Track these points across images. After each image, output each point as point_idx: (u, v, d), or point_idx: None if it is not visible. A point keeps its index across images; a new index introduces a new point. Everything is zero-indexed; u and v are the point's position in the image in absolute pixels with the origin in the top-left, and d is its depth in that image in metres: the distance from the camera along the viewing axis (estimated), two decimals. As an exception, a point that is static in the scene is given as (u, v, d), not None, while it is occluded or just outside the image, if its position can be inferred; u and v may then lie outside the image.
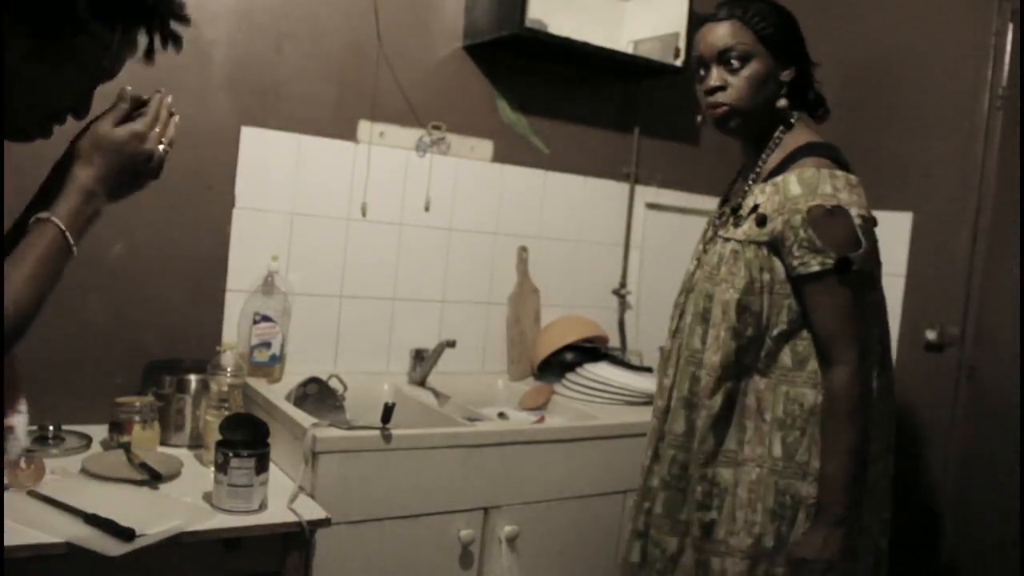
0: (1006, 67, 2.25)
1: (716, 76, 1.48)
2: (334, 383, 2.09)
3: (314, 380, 2.04)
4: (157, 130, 1.04)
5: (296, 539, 1.52)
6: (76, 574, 1.33)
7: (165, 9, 0.97)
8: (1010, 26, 2.24)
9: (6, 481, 1.45)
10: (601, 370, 2.31)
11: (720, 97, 1.48)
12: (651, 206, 2.76)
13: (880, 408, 1.48)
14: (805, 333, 1.44)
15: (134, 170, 1.03)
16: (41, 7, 0.87)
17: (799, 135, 1.50)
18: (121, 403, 1.80)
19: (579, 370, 2.34)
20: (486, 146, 2.45)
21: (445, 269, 2.42)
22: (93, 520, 1.37)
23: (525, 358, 2.52)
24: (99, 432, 1.85)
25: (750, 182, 1.52)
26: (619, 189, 2.70)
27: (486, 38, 2.31)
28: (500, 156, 2.47)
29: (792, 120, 1.52)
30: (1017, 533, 2.07)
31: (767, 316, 1.43)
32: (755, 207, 1.46)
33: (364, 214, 2.27)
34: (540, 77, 2.52)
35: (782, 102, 1.49)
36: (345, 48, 2.21)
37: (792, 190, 1.41)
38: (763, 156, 1.52)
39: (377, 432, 1.70)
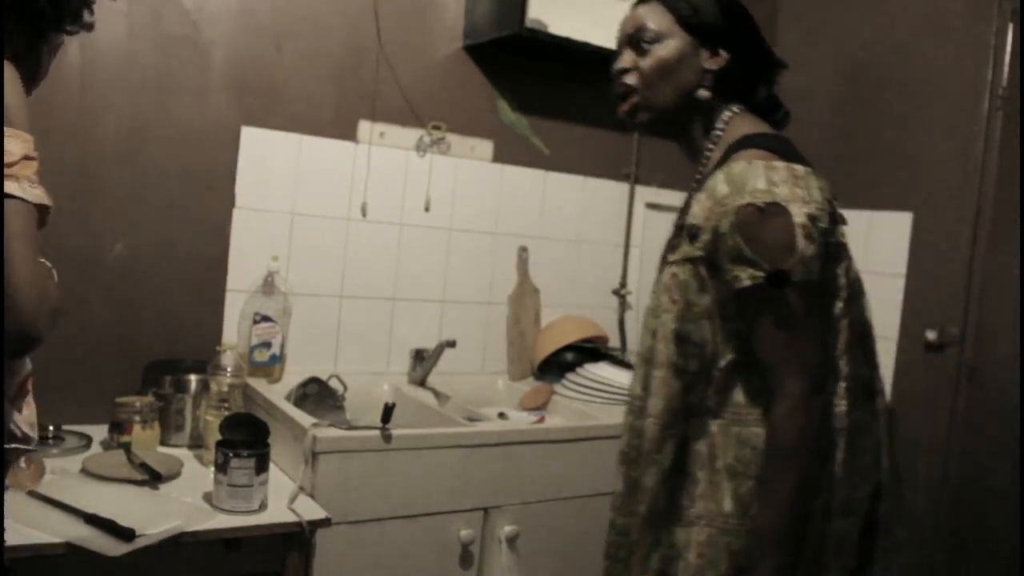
0: (1006, 67, 2.25)
1: (624, 58, 1.32)
2: (334, 383, 2.10)
3: (314, 380, 2.04)
4: None
5: (296, 539, 1.52)
6: (76, 574, 1.33)
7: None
8: (1010, 26, 2.24)
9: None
10: (601, 370, 2.31)
11: (624, 79, 1.32)
12: (651, 206, 2.76)
13: (860, 447, 1.25)
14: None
15: None
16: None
17: (737, 128, 1.29)
18: (121, 403, 1.80)
19: (579, 370, 2.34)
20: (486, 146, 2.45)
21: (445, 269, 2.42)
22: (93, 520, 1.37)
23: (525, 358, 2.52)
24: (99, 432, 1.86)
25: (691, 192, 1.33)
26: (619, 189, 2.70)
27: (486, 38, 2.31)
28: (500, 156, 2.47)
29: (728, 115, 1.30)
30: (1017, 534, 2.07)
31: (712, 345, 1.22)
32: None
33: (364, 214, 2.27)
34: (540, 77, 2.52)
35: (703, 92, 1.29)
36: (345, 48, 2.21)
37: (720, 191, 1.19)
38: (702, 161, 1.33)
39: (377, 432, 1.70)
